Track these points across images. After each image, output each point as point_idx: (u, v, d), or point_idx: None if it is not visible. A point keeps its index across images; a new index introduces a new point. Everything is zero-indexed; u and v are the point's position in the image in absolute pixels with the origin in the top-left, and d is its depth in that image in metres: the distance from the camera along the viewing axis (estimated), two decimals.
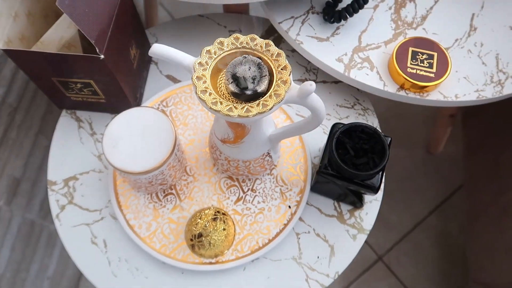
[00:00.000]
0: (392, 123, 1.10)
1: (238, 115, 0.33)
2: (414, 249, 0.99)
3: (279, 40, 0.58)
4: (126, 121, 0.43)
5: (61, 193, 0.49)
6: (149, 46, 0.57)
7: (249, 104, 0.34)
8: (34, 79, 0.47)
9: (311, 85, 0.33)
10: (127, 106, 0.51)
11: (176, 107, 0.53)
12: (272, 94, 0.34)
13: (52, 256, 0.79)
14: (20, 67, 0.44)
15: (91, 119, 0.54)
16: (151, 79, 0.56)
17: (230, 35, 0.36)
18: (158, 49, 0.36)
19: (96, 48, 0.40)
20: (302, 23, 0.52)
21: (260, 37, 0.36)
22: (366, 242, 0.98)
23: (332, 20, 0.51)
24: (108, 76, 0.44)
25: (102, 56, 0.41)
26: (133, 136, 0.42)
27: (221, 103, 0.34)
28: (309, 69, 0.57)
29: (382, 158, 0.42)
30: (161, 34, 0.59)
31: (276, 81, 0.35)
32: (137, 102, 0.53)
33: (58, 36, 0.44)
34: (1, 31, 0.41)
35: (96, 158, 0.51)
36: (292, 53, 0.57)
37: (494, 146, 0.77)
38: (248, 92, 0.34)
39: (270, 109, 0.34)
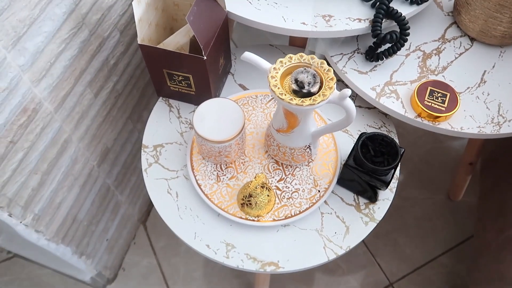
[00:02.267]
0: (420, 167, 1.22)
1: (296, 103, 0.49)
2: (424, 282, 1.07)
3: None
4: (211, 106, 0.60)
5: (151, 154, 0.66)
6: (230, 60, 0.75)
7: (304, 98, 0.50)
8: (150, 68, 0.65)
9: (348, 91, 0.49)
10: (209, 99, 0.68)
11: (244, 107, 0.70)
12: (321, 94, 0.50)
13: (114, 222, 0.96)
14: (145, 58, 0.63)
15: (179, 106, 0.71)
16: (227, 85, 0.74)
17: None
18: (248, 55, 0.53)
19: (203, 51, 0.58)
20: (349, 59, 0.69)
21: None
22: (380, 267, 1.08)
23: (371, 60, 0.67)
24: (203, 73, 0.62)
25: (205, 57, 0.59)
26: (214, 116, 0.59)
27: (285, 94, 0.50)
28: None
29: (395, 159, 0.56)
30: (239, 54, 0.78)
31: (324, 86, 0.51)
32: None
33: (175, 41, 0.62)
34: (141, 32, 0.61)
35: (179, 134, 0.68)
36: (338, 82, 0.74)
37: (503, 190, 0.88)
38: (304, 91, 0.50)
39: (318, 103, 0.49)
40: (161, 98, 0.73)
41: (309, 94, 0.51)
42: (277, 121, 0.58)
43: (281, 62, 0.53)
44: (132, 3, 0.56)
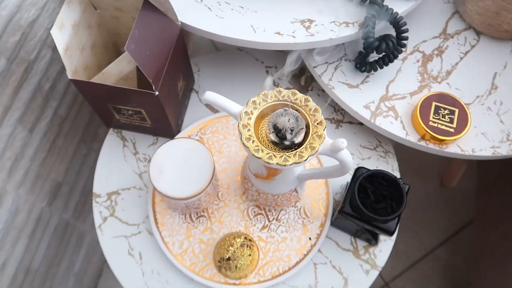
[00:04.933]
0: (410, 152, 1.14)
1: (277, 163, 0.38)
2: (420, 278, 1.02)
3: (311, 78, 0.63)
4: (171, 150, 0.48)
5: (104, 205, 0.55)
6: (193, 77, 0.62)
7: (287, 154, 0.38)
8: (91, 103, 0.52)
9: (342, 143, 0.38)
10: (169, 130, 0.56)
11: (213, 135, 0.58)
12: (308, 146, 0.39)
13: (79, 254, 0.85)
14: (82, 94, 0.50)
15: (135, 139, 0.59)
16: (192, 106, 0.61)
17: (274, 86, 0.41)
18: (209, 96, 0.41)
19: (153, 86, 0.45)
20: (335, 69, 0.57)
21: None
22: None
23: (363, 70, 0.56)
24: (158, 107, 0.49)
25: (157, 93, 0.46)
26: (176, 164, 0.47)
27: (262, 150, 0.38)
28: (337, 109, 0.61)
29: (400, 205, 0.46)
30: (202, 64, 0.64)
31: (311, 134, 0.39)
32: (178, 128, 0.58)
33: (118, 70, 0.49)
34: (71, 63, 0.47)
35: (137, 176, 0.57)
36: (322, 92, 0.62)
37: (505, 191, 0.80)
38: (286, 143, 0.39)
39: (305, 160, 0.38)
40: (112, 129, 0.60)
41: (293, 144, 0.39)
42: (254, 166, 0.47)
43: (254, 103, 0.41)
44: (51, 32, 0.42)
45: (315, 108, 0.40)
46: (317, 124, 0.39)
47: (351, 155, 0.57)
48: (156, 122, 0.54)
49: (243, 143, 0.39)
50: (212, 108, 0.61)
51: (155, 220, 0.53)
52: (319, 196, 0.54)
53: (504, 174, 0.84)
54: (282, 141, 0.39)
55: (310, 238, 0.52)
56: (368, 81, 0.56)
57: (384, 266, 0.99)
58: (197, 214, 0.53)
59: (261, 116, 0.42)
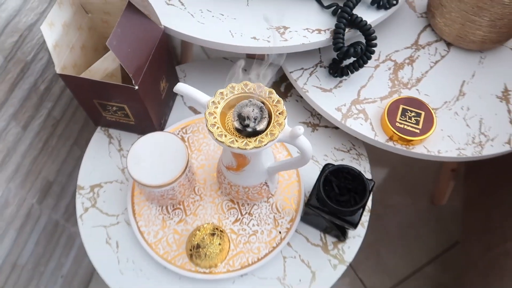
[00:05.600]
0: (401, 171, 1.15)
1: (238, 147, 0.41)
2: None
3: (290, 86, 0.66)
4: (149, 142, 0.51)
5: (87, 197, 0.58)
6: (177, 80, 0.66)
7: (248, 140, 0.41)
8: (79, 99, 0.56)
9: (299, 129, 0.41)
10: (152, 129, 0.60)
11: (193, 134, 0.61)
12: (268, 133, 0.41)
13: (68, 256, 0.87)
14: (70, 89, 0.54)
15: (120, 136, 0.62)
16: (176, 108, 0.65)
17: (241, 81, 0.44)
18: (181, 87, 0.45)
19: (133, 80, 0.49)
20: (310, 74, 0.60)
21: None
22: (362, 283, 1.02)
23: (336, 75, 0.59)
24: (139, 103, 0.53)
25: (136, 87, 0.50)
26: (153, 155, 0.50)
27: (225, 136, 0.41)
28: (314, 114, 0.64)
29: (363, 198, 0.48)
30: (189, 71, 0.69)
31: (273, 122, 0.42)
32: (161, 127, 0.62)
33: (104, 67, 0.53)
34: (60, 59, 0.51)
35: (120, 171, 0.60)
36: (301, 98, 0.65)
37: (488, 201, 0.81)
38: (249, 129, 0.42)
39: (264, 145, 0.41)
40: (99, 127, 0.63)
41: (256, 132, 0.42)
42: (226, 158, 0.50)
43: (221, 94, 0.44)
44: (41, 28, 0.47)
45: (277, 100, 0.43)
46: (279, 113, 0.42)
47: (325, 156, 0.60)
48: (139, 119, 0.57)
49: (208, 129, 0.42)
50: (195, 110, 0.65)
51: (133, 211, 0.55)
52: (291, 193, 0.57)
53: (488, 187, 0.85)
54: (245, 128, 0.42)
55: (280, 232, 0.54)
56: (341, 86, 0.60)
57: (372, 282, 0.99)
58: (173, 206, 0.56)
59: (228, 108, 0.45)
